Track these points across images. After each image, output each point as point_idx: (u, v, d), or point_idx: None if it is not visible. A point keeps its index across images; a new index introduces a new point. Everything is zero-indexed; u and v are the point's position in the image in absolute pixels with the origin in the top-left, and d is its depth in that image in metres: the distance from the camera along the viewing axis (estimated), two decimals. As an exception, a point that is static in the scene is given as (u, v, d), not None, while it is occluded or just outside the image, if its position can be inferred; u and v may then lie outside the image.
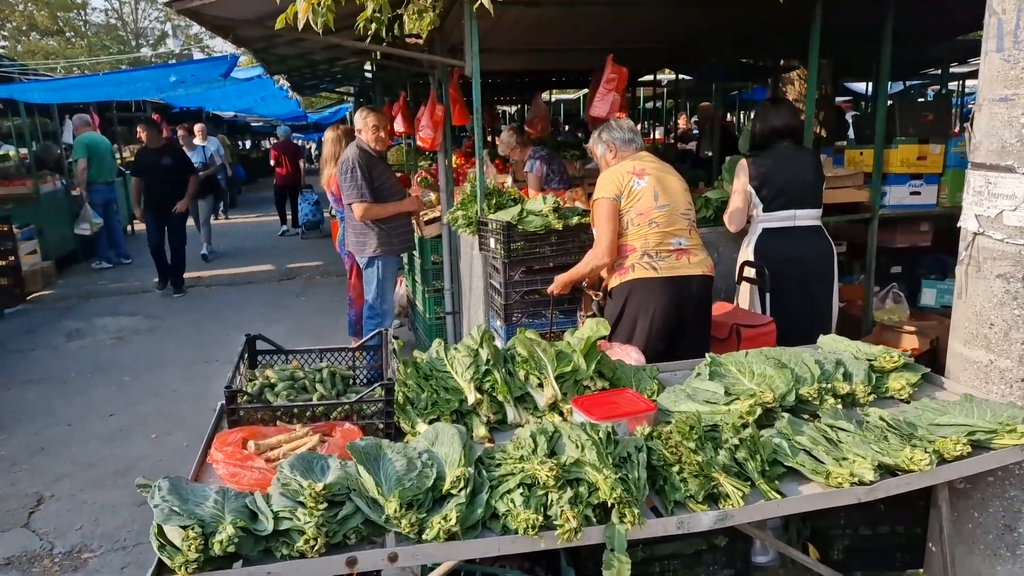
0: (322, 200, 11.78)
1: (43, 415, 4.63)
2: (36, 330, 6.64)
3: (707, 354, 2.30)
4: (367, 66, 7.68)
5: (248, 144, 25.87)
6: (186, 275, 8.06)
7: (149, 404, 4.75)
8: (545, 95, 12.45)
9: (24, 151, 9.85)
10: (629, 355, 2.45)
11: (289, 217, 12.08)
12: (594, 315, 3.08)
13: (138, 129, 7.64)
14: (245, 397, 2.11)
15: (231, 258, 9.78)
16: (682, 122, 14.19)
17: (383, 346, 2.42)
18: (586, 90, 10.33)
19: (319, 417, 2.09)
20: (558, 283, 3.08)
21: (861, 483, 1.69)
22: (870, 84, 9.85)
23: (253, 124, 23.39)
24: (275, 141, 12.98)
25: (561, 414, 2.10)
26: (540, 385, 2.15)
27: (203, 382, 5.10)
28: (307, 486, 1.57)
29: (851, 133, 7.44)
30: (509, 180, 5.21)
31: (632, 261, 2.88)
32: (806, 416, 2.03)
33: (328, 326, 6.31)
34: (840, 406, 2.04)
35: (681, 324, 2.89)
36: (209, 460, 1.90)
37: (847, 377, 2.16)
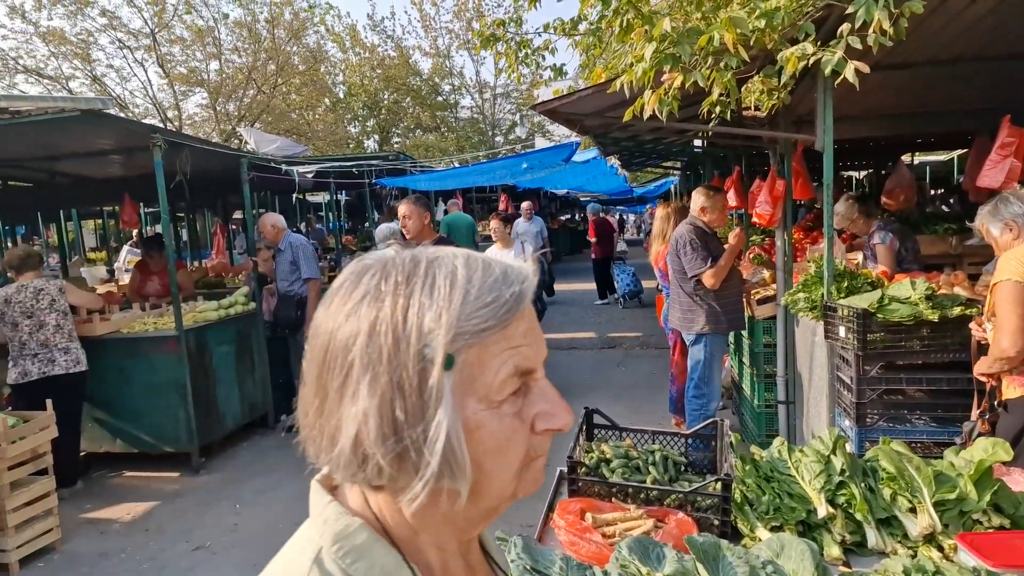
0: (639, 271, 12.14)
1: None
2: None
3: None
4: (696, 141, 7.79)
5: (577, 216, 28.41)
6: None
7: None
8: (905, 157, 11.00)
9: (404, 227, 12.23)
10: (1039, 489, 1.93)
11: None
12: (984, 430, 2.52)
13: (401, 209, 4.50)
14: (583, 469, 2.22)
15: (559, 323, 10.60)
16: None
17: (719, 437, 2.32)
18: (960, 151, 8.86)
19: (652, 501, 2.09)
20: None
21: None
22: None
23: (582, 199, 25.56)
24: (592, 218, 13.71)
25: (940, 549, 1.74)
26: (912, 510, 1.82)
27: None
28: (646, 574, 1.57)
29: None
30: (860, 257, 4.66)
31: (1041, 368, 2.31)
32: None
33: (646, 399, 6.35)
34: None
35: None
36: (551, 524, 2.04)
37: None
